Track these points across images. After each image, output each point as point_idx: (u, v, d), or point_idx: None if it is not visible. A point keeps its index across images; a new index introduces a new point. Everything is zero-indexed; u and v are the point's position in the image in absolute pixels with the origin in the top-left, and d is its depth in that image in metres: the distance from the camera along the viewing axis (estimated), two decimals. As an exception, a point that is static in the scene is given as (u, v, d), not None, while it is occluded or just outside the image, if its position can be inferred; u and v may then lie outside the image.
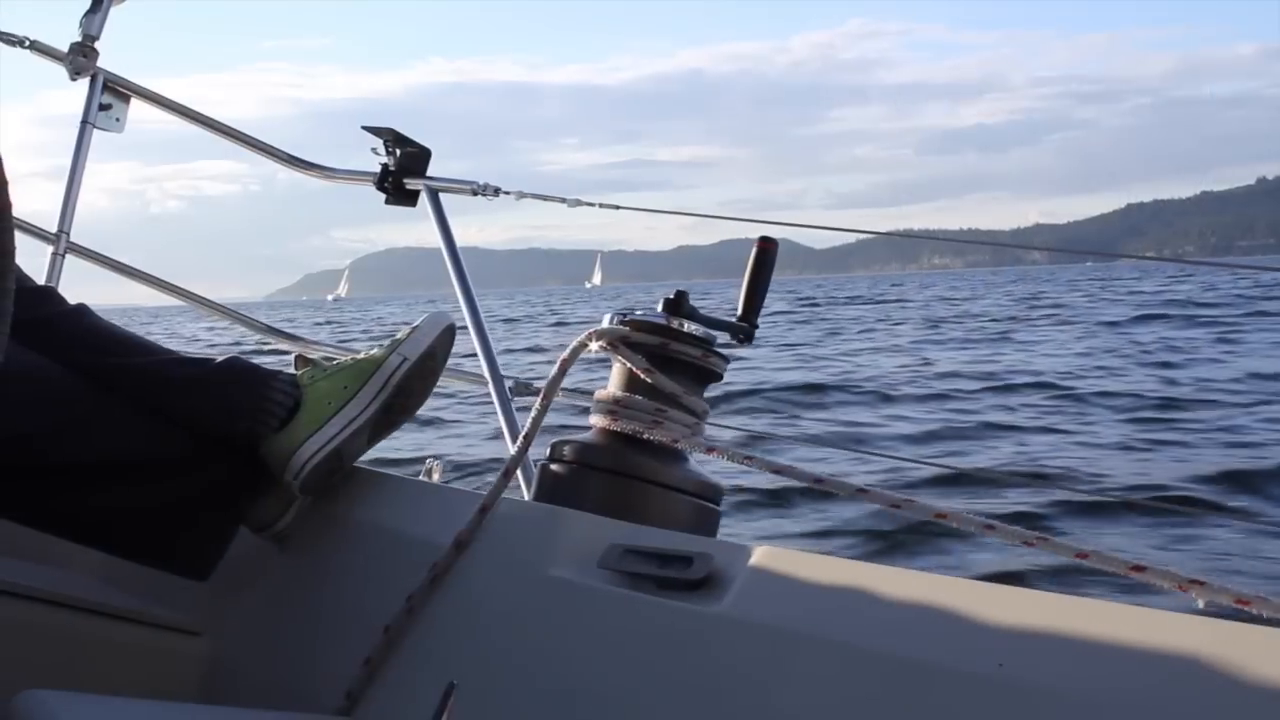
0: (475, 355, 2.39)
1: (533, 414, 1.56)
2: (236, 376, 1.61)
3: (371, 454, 1.68)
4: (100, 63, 2.54)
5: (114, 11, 2.53)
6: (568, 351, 1.54)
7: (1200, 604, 0.95)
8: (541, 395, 1.56)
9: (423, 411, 1.72)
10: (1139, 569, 1.00)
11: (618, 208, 2.39)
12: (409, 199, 2.57)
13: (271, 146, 2.76)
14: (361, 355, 1.65)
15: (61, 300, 1.69)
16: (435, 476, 2.21)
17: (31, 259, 2.71)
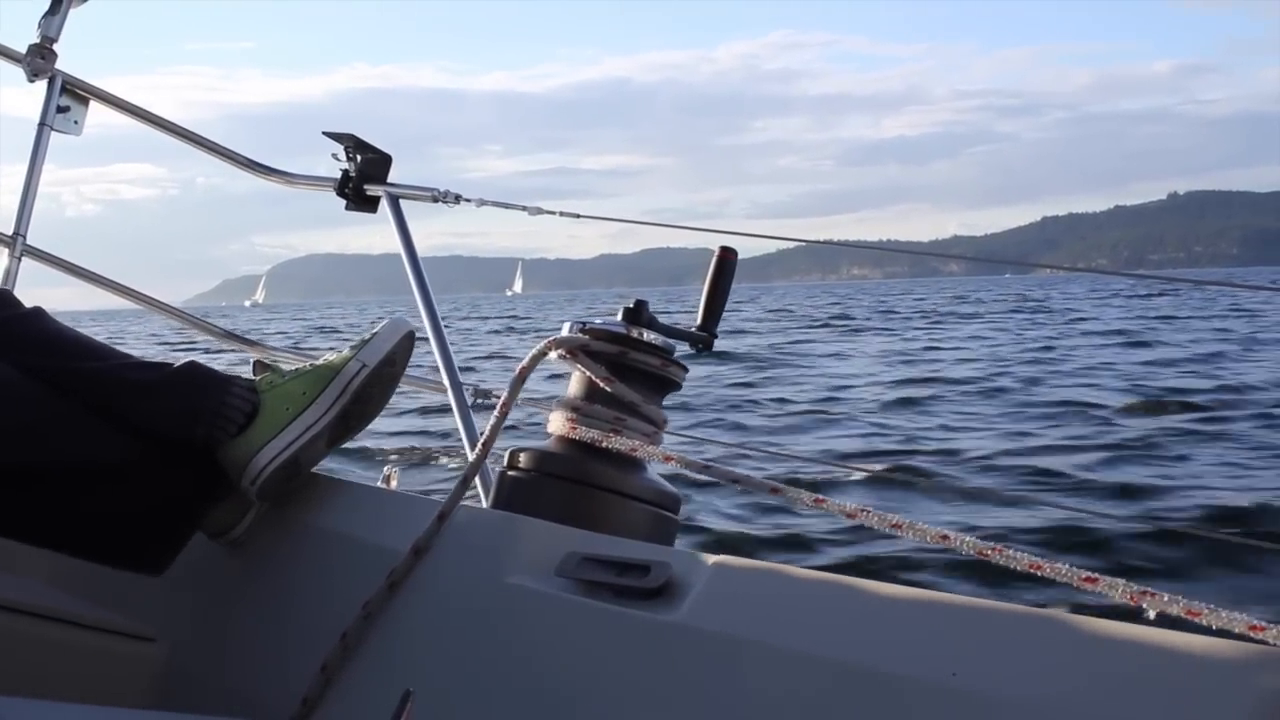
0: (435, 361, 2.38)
1: (491, 421, 1.55)
2: (194, 381, 1.60)
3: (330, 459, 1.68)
4: (58, 64, 2.51)
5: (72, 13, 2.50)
6: (527, 360, 1.54)
7: (1151, 614, 0.96)
8: (500, 403, 1.56)
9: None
10: (1091, 580, 1.01)
11: (579, 216, 2.39)
12: (369, 205, 2.55)
13: (231, 151, 2.74)
14: (320, 360, 1.64)
15: (17, 303, 1.67)
16: (393, 483, 2.20)
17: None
